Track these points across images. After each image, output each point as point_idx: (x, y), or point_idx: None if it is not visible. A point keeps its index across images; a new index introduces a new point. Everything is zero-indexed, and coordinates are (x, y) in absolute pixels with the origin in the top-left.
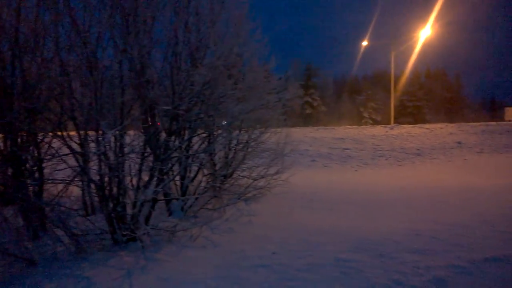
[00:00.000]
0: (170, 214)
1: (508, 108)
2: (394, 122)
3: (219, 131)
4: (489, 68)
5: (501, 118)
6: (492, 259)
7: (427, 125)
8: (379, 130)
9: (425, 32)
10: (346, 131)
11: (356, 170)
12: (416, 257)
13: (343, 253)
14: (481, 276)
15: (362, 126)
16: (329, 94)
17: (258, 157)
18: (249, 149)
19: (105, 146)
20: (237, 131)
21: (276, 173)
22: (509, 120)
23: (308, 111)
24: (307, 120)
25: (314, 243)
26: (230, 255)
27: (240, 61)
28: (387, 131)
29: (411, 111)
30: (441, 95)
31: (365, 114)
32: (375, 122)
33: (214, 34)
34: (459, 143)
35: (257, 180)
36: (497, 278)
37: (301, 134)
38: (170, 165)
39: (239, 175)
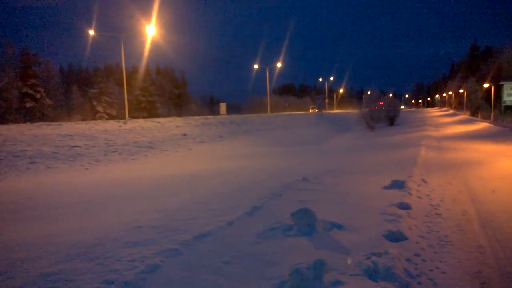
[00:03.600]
0: None
1: (222, 103)
2: (130, 117)
3: None
4: (208, 68)
5: (217, 113)
6: (200, 236)
7: (158, 119)
8: (112, 125)
9: (151, 30)
10: (75, 127)
11: (87, 169)
12: (133, 250)
13: (53, 265)
14: (190, 254)
15: (94, 121)
16: (55, 86)
17: None
18: None
19: None
20: None
21: None
22: (223, 114)
23: (29, 105)
24: (29, 115)
25: (18, 262)
26: None
27: None
28: (120, 126)
29: (145, 106)
30: (170, 91)
31: (100, 109)
32: (111, 117)
33: None
34: (185, 135)
35: None
36: (204, 251)
37: (17, 132)
38: None
39: None
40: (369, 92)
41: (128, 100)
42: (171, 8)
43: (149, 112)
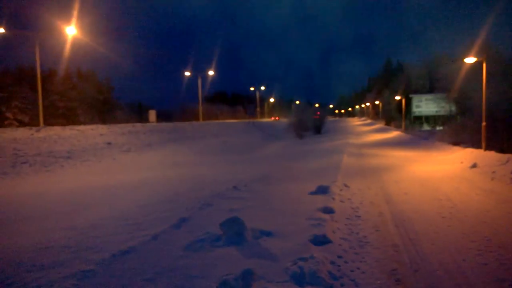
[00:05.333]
0: None
1: (151, 111)
2: (45, 124)
3: None
4: (138, 74)
5: (146, 120)
6: (119, 254)
7: (78, 127)
8: (22, 132)
9: (71, 31)
10: None
11: None
12: (39, 274)
13: None
14: (108, 274)
15: (1, 129)
16: None
17: None
18: None
19: None
20: None
21: None
22: (152, 122)
23: None
24: None
25: None
26: None
27: None
28: (32, 134)
29: (63, 112)
30: (94, 96)
31: (9, 115)
32: (23, 124)
33: None
34: (109, 143)
35: None
36: (124, 270)
37: None
38: None
39: None
40: (297, 102)
41: (44, 106)
42: (95, 10)
43: (69, 119)
